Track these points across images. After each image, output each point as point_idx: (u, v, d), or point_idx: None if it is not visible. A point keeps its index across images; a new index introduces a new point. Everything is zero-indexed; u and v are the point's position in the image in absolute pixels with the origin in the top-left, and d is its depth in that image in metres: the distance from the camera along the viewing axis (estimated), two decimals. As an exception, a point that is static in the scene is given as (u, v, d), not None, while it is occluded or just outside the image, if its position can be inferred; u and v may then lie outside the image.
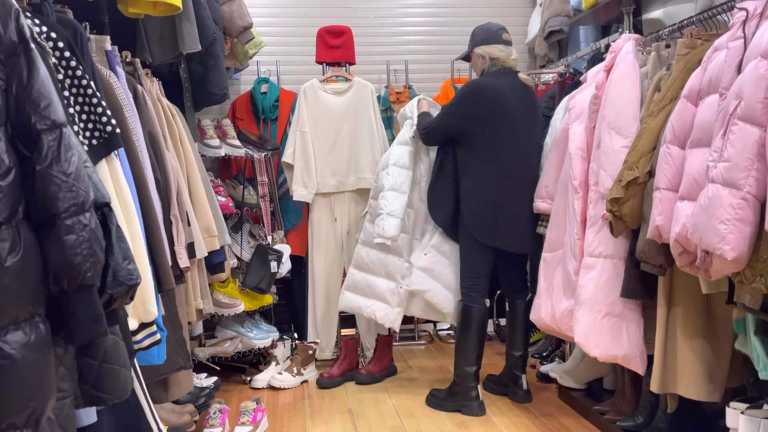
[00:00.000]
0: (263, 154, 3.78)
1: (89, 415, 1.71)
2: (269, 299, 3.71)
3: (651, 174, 2.17)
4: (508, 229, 3.06)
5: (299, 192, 3.70)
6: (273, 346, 3.70)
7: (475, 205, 3.08)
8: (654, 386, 2.29)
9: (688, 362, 2.21)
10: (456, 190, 3.16)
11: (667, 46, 2.54)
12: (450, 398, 3.13)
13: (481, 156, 3.06)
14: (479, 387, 3.13)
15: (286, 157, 3.70)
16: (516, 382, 3.25)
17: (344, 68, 3.82)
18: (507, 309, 3.35)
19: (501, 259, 3.19)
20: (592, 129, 2.58)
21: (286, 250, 3.72)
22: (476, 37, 3.17)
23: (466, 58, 3.26)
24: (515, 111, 3.05)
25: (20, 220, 1.30)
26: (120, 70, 2.27)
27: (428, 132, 3.16)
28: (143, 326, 1.88)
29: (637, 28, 3.15)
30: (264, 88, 4.23)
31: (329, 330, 3.85)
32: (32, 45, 1.34)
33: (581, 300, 2.46)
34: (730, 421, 2.04)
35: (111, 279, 1.44)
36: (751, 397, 2.16)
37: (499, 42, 3.10)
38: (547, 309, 2.74)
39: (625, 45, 2.50)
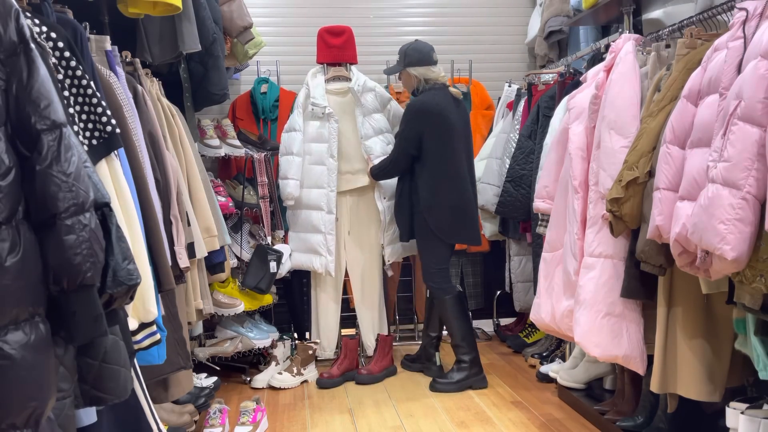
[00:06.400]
0: (263, 155, 3.78)
1: (89, 415, 1.71)
2: (269, 299, 3.71)
3: (651, 174, 2.16)
4: (467, 227, 3.43)
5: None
6: (273, 346, 3.70)
7: (439, 211, 3.37)
8: (654, 386, 2.29)
9: (688, 362, 2.21)
10: (411, 201, 3.44)
11: (667, 46, 2.54)
12: (461, 380, 3.42)
13: (434, 167, 3.35)
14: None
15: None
16: (430, 359, 3.70)
17: (345, 68, 3.82)
18: (427, 296, 3.74)
19: None
20: (592, 129, 2.58)
21: (285, 250, 3.72)
22: (409, 57, 3.41)
23: (394, 72, 3.50)
24: (454, 122, 3.37)
25: (20, 220, 1.29)
26: (120, 70, 2.27)
27: (394, 161, 3.43)
28: (143, 326, 1.88)
29: (637, 28, 3.15)
30: (264, 88, 4.22)
31: (330, 330, 3.85)
32: (32, 45, 1.33)
33: (581, 300, 2.46)
34: (730, 421, 2.03)
35: (111, 279, 1.44)
36: (751, 397, 2.16)
37: (431, 63, 3.41)
38: (547, 309, 2.73)
39: (625, 45, 2.49)
